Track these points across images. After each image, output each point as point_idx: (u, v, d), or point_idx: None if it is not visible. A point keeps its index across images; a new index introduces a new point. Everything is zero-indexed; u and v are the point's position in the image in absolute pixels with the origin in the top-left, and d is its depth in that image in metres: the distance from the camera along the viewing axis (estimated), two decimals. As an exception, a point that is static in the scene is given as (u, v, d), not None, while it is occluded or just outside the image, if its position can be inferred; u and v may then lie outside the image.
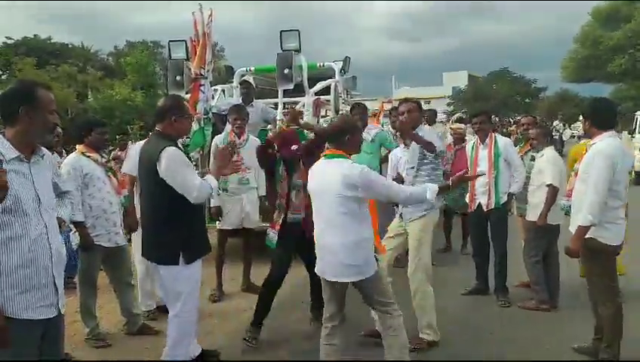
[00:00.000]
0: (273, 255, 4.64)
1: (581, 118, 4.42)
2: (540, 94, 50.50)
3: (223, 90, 8.49)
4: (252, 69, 8.61)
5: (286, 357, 4.42)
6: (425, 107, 7.32)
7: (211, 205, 5.89)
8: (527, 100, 49.31)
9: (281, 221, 4.56)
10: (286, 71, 6.49)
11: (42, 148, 2.67)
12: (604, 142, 3.90)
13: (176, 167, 3.56)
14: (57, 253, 2.58)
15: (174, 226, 3.65)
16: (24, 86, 2.63)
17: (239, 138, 5.88)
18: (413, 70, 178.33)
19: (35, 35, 35.28)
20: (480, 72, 59.48)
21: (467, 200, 5.88)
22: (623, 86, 39.60)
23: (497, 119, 22.82)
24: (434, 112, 10.02)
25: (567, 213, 4.40)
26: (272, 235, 4.57)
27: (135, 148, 5.28)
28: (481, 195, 5.67)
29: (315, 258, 3.87)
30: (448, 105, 50.24)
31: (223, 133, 6.16)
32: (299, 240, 4.54)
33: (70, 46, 37.77)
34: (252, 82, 7.54)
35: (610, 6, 38.05)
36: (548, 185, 5.22)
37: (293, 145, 4.56)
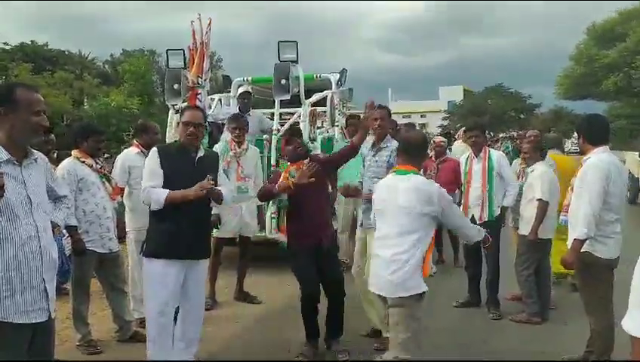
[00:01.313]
0: (297, 272, 4.51)
1: (575, 134, 4.48)
2: (535, 110, 50.81)
3: (220, 100, 8.52)
4: (249, 79, 8.66)
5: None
6: (421, 120, 7.49)
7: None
8: (521, 116, 49.58)
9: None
10: (283, 81, 6.52)
11: (35, 151, 2.66)
12: (597, 156, 3.96)
13: (145, 164, 3.94)
14: (49, 257, 2.56)
15: (152, 218, 3.93)
16: (3, 87, 2.63)
17: (239, 147, 5.92)
18: (409, 83, 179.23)
19: (32, 41, 35.29)
20: (475, 86, 59.84)
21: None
22: (616, 104, 39.90)
23: (492, 134, 22.93)
24: (412, 126, 10.10)
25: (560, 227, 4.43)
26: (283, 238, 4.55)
27: (120, 159, 5.28)
28: (474, 208, 5.70)
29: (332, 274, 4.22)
30: (444, 119, 50.57)
31: (223, 142, 6.15)
32: (316, 249, 4.42)
33: (67, 53, 37.78)
34: (251, 92, 7.59)
35: (606, 24, 38.45)
36: (538, 200, 5.27)
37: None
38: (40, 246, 2.50)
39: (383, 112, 4.83)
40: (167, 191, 3.74)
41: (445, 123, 48.07)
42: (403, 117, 47.07)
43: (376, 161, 4.74)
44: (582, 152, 4.33)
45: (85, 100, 27.37)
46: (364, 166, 4.94)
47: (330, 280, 4.45)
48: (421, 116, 59.77)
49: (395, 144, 4.70)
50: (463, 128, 9.21)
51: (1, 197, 2.04)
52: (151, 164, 3.84)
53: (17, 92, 2.51)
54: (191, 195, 3.72)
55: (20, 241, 2.43)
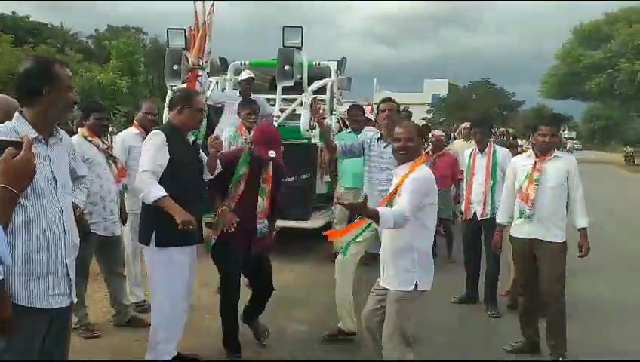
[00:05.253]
0: (224, 274, 4.15)
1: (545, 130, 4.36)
2: (518, 107, 51.26)
3: (217, 82, 8.37)
4: (247, 62, 8.52)
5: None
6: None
7: None
8: (504, 113, 49.94)
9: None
10: (286, 67, 6.41)
11: (60, 130, 2.57)
12: (566, 154, 4.63)
13: (145, 144, 3.69)
14: (71, 240, 2.47)
15: (154, 206, 3.55)
16: (43, 64, 2.47)
17: (249, 133, 5.79)
18: (394, 74, 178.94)
19: (13, 12, 34.45)
20: (460, 81, 59.96)
21: (462, 208, 5.90)
22: (598, 104, 40.47)
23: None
24: (410, 114, 10.05)
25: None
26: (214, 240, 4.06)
27: (120, 139, 5.13)
28: (476, 204, 5.67)
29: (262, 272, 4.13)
30: (428, 112, 50.72)
31: (233, 128, 5.97)
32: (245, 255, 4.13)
33: (49, 26, 37.00)
34: (254, 77, 7.45)
35: (592, 25, 38.88)
36: None
37: (272, 150, 3.89)
38: (64, 229, 2.40)
39: (392, 105, 4.82)
40: (165, 194, 3.45)
41: (429, 116, 48.25)
42: (387, 107, 46.94)
43: (391, 157, 4.68)
44: (555, 148, 4.47)
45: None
46: (369, 157, 4.85)
47: (262, 282, 4.32)
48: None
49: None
50: (465, 123, 9.17)
51: (31, 181, 1.93)
52: (159, 148, 3.56)
53: (56, 68, 2.44)
54: (179, 218, 3.40)
55: (45, 223, 2.32)
